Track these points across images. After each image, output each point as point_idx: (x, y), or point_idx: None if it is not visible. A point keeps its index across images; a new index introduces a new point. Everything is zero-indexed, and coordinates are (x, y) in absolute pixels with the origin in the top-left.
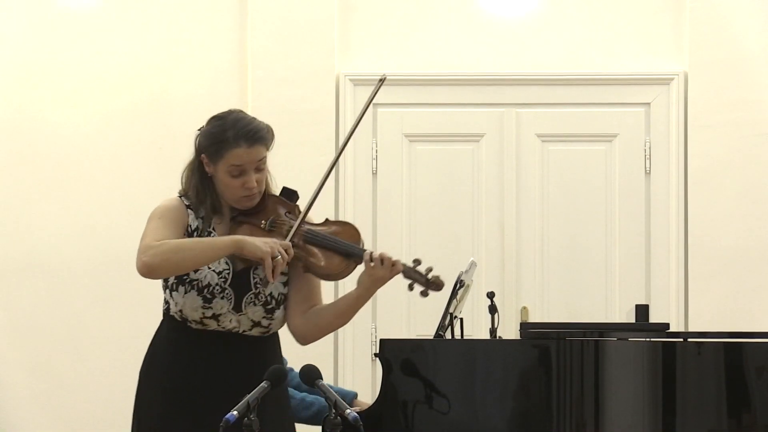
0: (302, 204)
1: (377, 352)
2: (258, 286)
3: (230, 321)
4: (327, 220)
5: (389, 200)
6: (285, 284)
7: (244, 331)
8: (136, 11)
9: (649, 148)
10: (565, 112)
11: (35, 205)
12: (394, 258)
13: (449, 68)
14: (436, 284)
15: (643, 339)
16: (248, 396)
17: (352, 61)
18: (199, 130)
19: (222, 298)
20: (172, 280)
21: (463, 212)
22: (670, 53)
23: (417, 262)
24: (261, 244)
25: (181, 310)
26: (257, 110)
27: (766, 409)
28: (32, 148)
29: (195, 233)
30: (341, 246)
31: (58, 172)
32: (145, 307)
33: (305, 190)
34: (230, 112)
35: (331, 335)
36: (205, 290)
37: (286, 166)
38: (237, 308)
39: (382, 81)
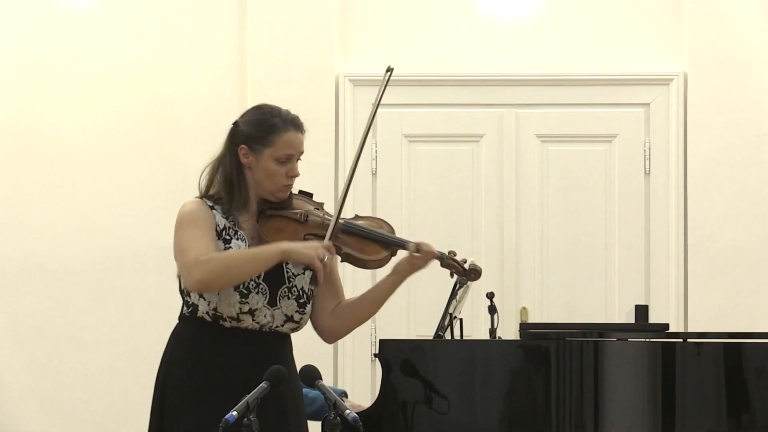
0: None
1: (377, 352)
2: (291, 280)
3: (265, 316)
4: (357, 215)
5: (389, 200)
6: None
7: (276, 326)
8: (136, 11)
9: (649, 148)
10: (565, 113)
11: (35, 205)
12: (434, 249)
13: (449, 68)
14: (474, 271)
15: (643, 339)
16: (248, 396)
17: (352, 62)
18: (234, 123)
19: (257, 293)
20: None
21: (462, 213)
22: (669, 53)
23: (453, 253)
24: (307, 250)
25: (216, 308)
26: None
27: (765, 409)
28: (32, 148)
29: (223, 232)
30: (379, 236)
31: (58, 172)
32: (145, 307)
33: (304, 190)
34: (264, 105)
35: None
36: (241, 286)
37: None
38: (272, 302)
39: (390, 71)
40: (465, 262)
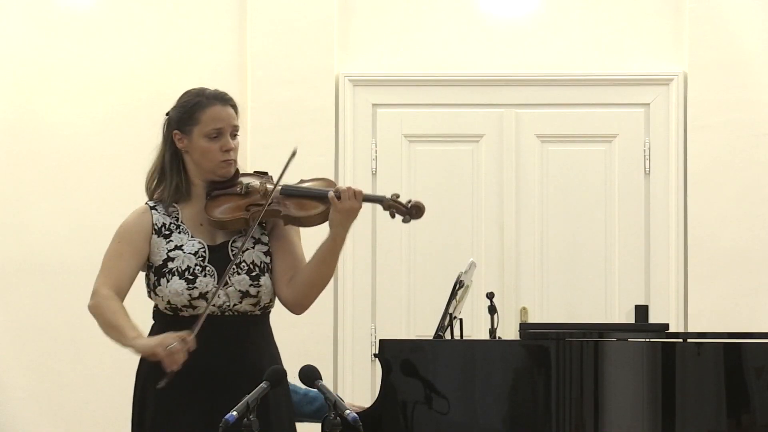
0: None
1: (377, 352)
2: (238, 256)
3: (218, 296)
4: (302, 180)
5: None
6: (266, 253)
7: (235, 304)
8: (136, 11)
9: (649, 148)
10: (565, 113)
11: (35, 205)
12: (356, 188)
13: (449, 69)
14: (417, 208)
15: (643, 339)
16: (248, 396)
17: (352, 62)
18: (166, 114)
19: (205, 276)
20: (153, 279)
21: (462, 213)
22: (669, 54)
23: (396, 195)
24: (151, 341)
25: (169, 302)
26: (257, 110)
27: (765, 409)
28: (32, 148)
29: (162, 229)
30: (315, 192)
31: (58, 172)
32: (144, 308)
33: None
34: (191, 88)
35: (330, 336)
36: (186, 272)
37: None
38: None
39: (293, 154)
40: (409, 202)
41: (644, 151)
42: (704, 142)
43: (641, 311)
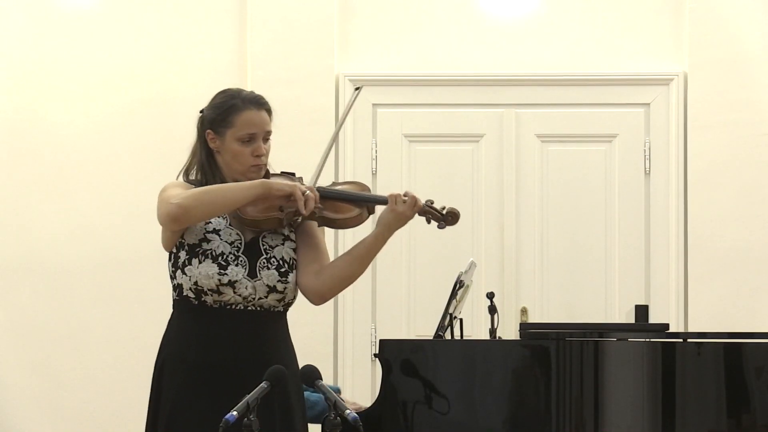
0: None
1: (377, 352)
2: (268, 251)
3: (246, 288)
4: (334, 182)
5: None
6: (295, 250)
7: (260, 298)
8: (136, 11)
9: (649, 148)
10: (565, 113)
11: (35, 205)
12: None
13: (449, 69)
14: (452, 214)
15: (643, 339)
16: (248, 396)
17: (352, 62)
18: (201, 111)
19: (236, 264)
20: (183, 257)
21: (462, 213)
22: (669, 53)
23: (430, 201)
24: (286, 182)
25: (196, 282)
26: None
27: (765, 409)
28: (32, 148)
29: None
30: (353, 196)
31: (58, 172)
32: (144, 308)
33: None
34: (227, 88)
35: (330, 336)
36: (220, 258)
37: (286, 166)
38: (252, 274)
39: (358, 90)
40: (443, 209)
41: (644, 151)
42: (704, 142)
43: (641, 311)
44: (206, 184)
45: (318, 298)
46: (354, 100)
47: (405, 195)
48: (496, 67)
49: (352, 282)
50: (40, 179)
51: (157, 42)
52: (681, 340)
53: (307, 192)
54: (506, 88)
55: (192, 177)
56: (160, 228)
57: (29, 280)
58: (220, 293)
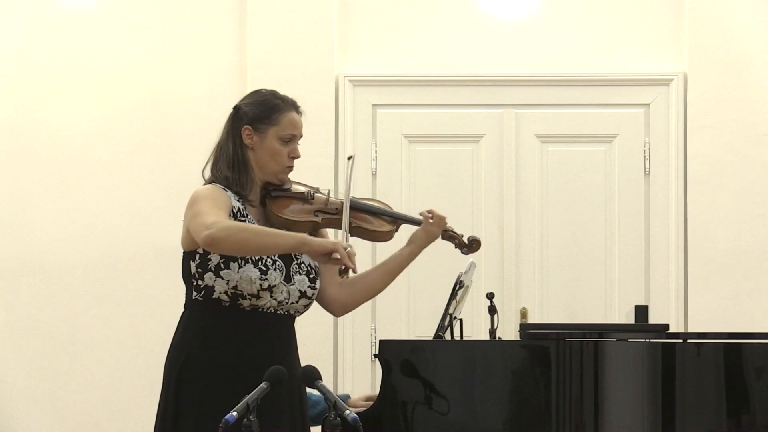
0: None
1: (377, 352)
2: (298, 256)
3: (282, 292)
4: (363, 198)
5: (389, 201)
6: None
7: (292, 303)
8: (136, 11)
9: (649, 148)
10: (565, 113)
11: (35, 205)
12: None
13: (449, 69)
14: (476, 242)
15: (643, 340)
16: (247, 397)
17: (352, 62)
18: (235, 108)
19: (275, 269)
20: (217, 260)
21: (462, 213)
22: (669, 54)
23: (451, 228)
24: (326, 242)
25: (236, 286)
26: None
27: (765, 409)
28: (32, 148)
29: (238, 214)
30: (386, 211)
31: (58, 172)
32: (144, 308)
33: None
34: (262, 88)
35: (330, 336)
36: (260, 262)
37: None
38: (288, 279)
39: (351, 158)
40: (463, 236)
41: (644, 151)
42: (704, 142)
43: (641, 311)
44: (235, 182)
45: (342, 308)
46: (351, 170)
47: (430, 213)
48: (496, 68)
49: (376, 295)
50: (40, 179)
51: (157, 42)
52: (681, 340)
53: (349, 248)
54: (506, 89)
55: (218, 173)
56: (159, 228)
57: (29, 280)
58: (258, 297)
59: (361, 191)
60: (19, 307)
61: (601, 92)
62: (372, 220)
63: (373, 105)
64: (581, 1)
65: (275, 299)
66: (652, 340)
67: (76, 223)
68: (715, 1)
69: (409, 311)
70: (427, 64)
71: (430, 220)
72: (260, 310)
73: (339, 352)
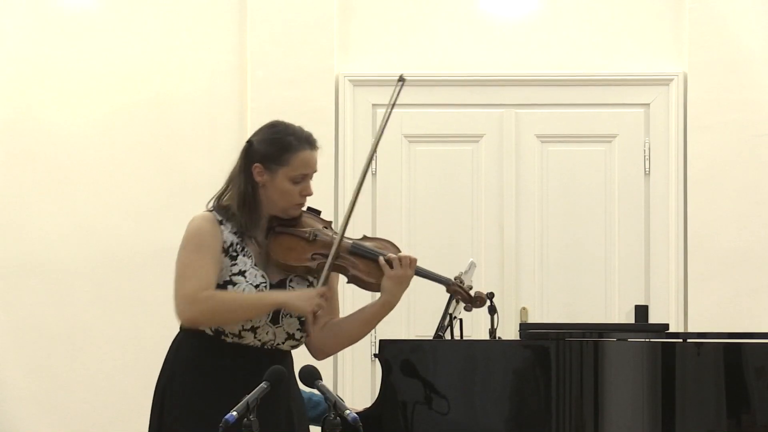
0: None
1: (377, 352)
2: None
3: (267, 333)
4: (365, 236)
5: (388, 201)
6: None
7: (278, 344)
8: (136, 11)
9: (649, 148)
10: (565, 113)
11: (35, 205)
12: (411, 255)
13: (449, 69)
14: (480, 299)
15: (643, 340)
16: (247, 396)
17: (352, 62)
18: (248, 142)
19: None
20: None
21: (462, 213)
22: (669, 54)
23: (458, 279)
24: (302, 302)
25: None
26: (256, 111)
27: (765, 409)
28: (32, 148)
29: (230, 249)
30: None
31: (58, 172)
32: (144, 308)
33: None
34: (278, 122)
35: None
36: None
37: None
38: (275, 320)
39: (402, 81)
40: (470, 288)
41: (644, 151)
42: (704, 142)
43: (641, 311)
44: (244, 217)
45: (319, 353)
46: (397, 96)
47: (389, 261)
48: (496, 68)
49: (355, 342)
50: (40, 179)
51: (157, 42)
52: (681, 340)
53: (320, 312)
54: (506, 88)
55: (225, 202)
56: (159, 228)
57: (29, 280)
58: (240, 337)
59: (361, 191)
60: (19, 307)
61: (601, 92)
62: (371, 268)
63: (373, 105)
64: (581, 1)
65: (259, 339)
66: (652, 340)
67: (76, 223)
68: (715, 1)
69: (409, 311)
70: (427, 64)
71: (390, 269)
72: (241, 346)
73: (339, 352)
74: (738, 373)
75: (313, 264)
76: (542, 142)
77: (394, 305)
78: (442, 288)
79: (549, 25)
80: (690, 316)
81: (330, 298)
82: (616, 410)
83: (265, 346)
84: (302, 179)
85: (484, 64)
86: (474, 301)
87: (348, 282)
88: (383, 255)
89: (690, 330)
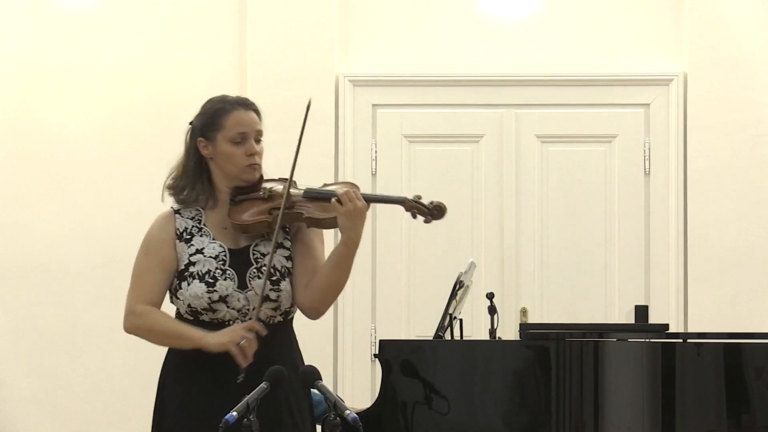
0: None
1: (377, 353)
2: (259, 261)
3: (238, 300)
4: (325, 184)
5: None
6: (288, 258)
7: (254, 308)
8: (136, 11)
9: (649, 148)
10: (565, 113)
11: (35, 205)
12: (355, 186)
13: (449, 69)
14: (438, 209)
15: (643, 340)
16: (247, 397)
17: (352, 62)
18: (190, 123)
19: (225, 279)
20: (175, 283)
21: (462, 213)
22: (669, 54)
23: (418, 196)
24: (221, 338)
25: (189, 305)
26: None
27: (765, 409)
28: (32, 148)
29: (184, 233)
30: (327, 193)
31: (58, 172)
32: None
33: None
34: (212, 97)
35: (330, 336)
36: (206, 276)
37: (285, 165)
38: (242, 285)
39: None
40: (431, 203)
41: (644, 151)
42: (704, 142)
43: (641, 311)
44: (196, 197)
45: (312, 312)
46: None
47: (337, 198)
48: (496, 68)
49: (339, 290)
50: (40, 179)
51: (156, 42)
52: (681, 340)
53: (244, 341)
54: (506, 89)
55: (182, 196)
56: None
57: (29, 280)
58: (213, 311)
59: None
60: (19, 307)
61: (601, 92)
62: (327, 206)
63: (373, 105)
64: (581, 1)
65: (233, 308)
66: (652, 340)
67: (76, 223)
68: (715, 1)
69: (409, 311)
70: (427, 64)
71: (341, 206)
72: (225, 323)
73: (339, 352)
74: (738, 374)
75: (270, 218)
76: (542, 142)
77: (358, 241)
78: (443, 288)
79: (549, 25)
80: (690, 316)
81: (305, 254)
82: (616, 410)
83: (246, 318)
84: (242, 139)
85: (484, 64)
86: (433, 212)
87: (308, 227)
88: (334, 195)
89: (690, 330)
